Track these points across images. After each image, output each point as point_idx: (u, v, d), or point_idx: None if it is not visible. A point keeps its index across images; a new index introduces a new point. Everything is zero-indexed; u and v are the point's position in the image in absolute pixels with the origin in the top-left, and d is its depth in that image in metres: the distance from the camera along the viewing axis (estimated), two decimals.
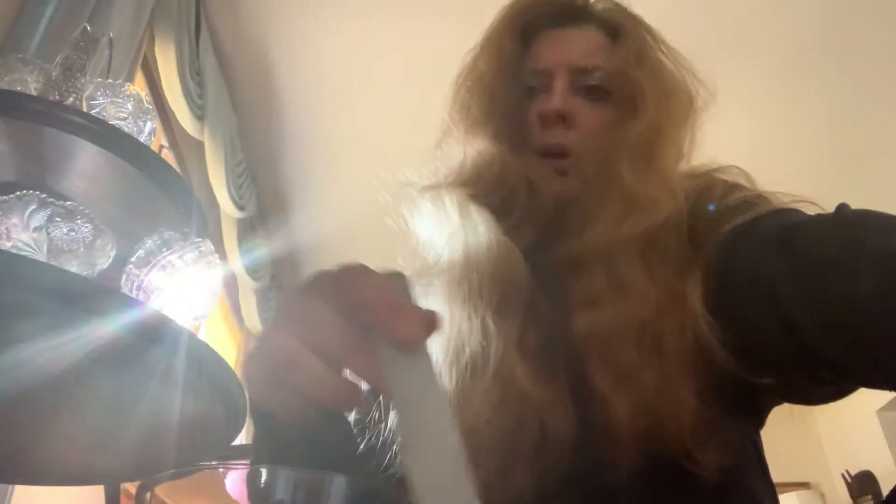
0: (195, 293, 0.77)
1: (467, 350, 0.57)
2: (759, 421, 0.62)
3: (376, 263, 0.72)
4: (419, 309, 0.33)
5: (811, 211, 0.54)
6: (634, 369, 0.53)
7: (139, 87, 1.00)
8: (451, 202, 0.64)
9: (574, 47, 0.68)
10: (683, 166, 0.67)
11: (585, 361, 0.55)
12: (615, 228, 0.58)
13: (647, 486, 0.51)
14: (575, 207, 0.63)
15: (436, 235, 0.65)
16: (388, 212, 0.69)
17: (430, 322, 0.33)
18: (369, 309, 0.32)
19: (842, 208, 0.50)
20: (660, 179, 0.61)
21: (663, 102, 0.64)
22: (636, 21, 0.71)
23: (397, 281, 0.36)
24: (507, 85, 0.67)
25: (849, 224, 0.48)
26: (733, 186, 0.62)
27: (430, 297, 0.62)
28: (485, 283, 0.59)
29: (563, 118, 0.64)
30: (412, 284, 0.37)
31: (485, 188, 0.63)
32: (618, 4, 0.72)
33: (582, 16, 0.71)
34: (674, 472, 0.52)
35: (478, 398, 0.56)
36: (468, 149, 0.66)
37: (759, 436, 0.62)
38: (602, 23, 0.70)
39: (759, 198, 0.58)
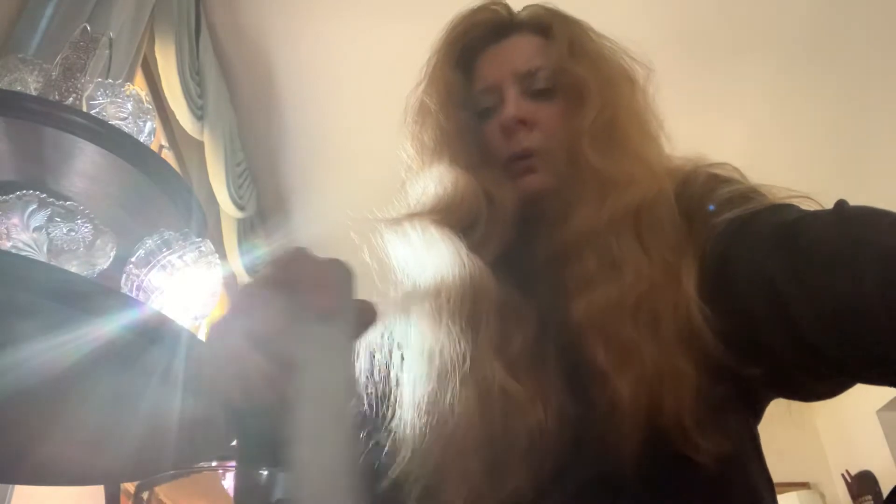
0: (195, 293, 0.77)
1: (449, 363, 0.59)
2: (756, 414, 0.62)
3: (376, 263, 0.73)
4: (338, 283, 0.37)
5: (807, 206, 0.55)
6: (634, 345, 0.54)
7: (139, 87, 1.00)
8: (413, 231, 0.66)
9: (513, 56, 0.71)
10: (665, 149, 0.69)
11: (584, 345, 0.56)
12: (597, 211, 0.60)
13: (647, 473, 0.51)
14: (553, 201, 0.65)
15: (406, 265, 0.68)
16: (362, 249, 0.72)
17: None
18: (297, 285, 0.36)
19: (841, 205, 0.50)
20: (631, 159, 0.63)
21: (605, 84, 0.67)
22: (561, 16, 0.74)
23: (335, 265, 0.38)
24: (456, 111, 0.70)
25: (849, 221, 0.48)
26: (727, 179, 0.62)
27: (413, 322, 0.64)
28: (454, 299, 0.61)
29: (523, 122, 0.67)
30: (351, 272, 0.40)
31: (447, 211, 0.65)
32: (541, 6, 0.76)
33: (512, 26, 0.74)
34: (674, 460, 0.52)
35: (461, 406, 0.56)
36: (426, 178, 0.69)
37: (756, 429, 0.62)
38: (532, 26, 0.74)
39: (755, 191, 0.59)
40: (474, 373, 0.57)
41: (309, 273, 0.37)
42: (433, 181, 0.68)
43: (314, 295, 0.36)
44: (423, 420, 0.57)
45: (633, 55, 0.71)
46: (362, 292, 0.71)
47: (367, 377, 0.70)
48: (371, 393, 0.68)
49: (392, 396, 0.64)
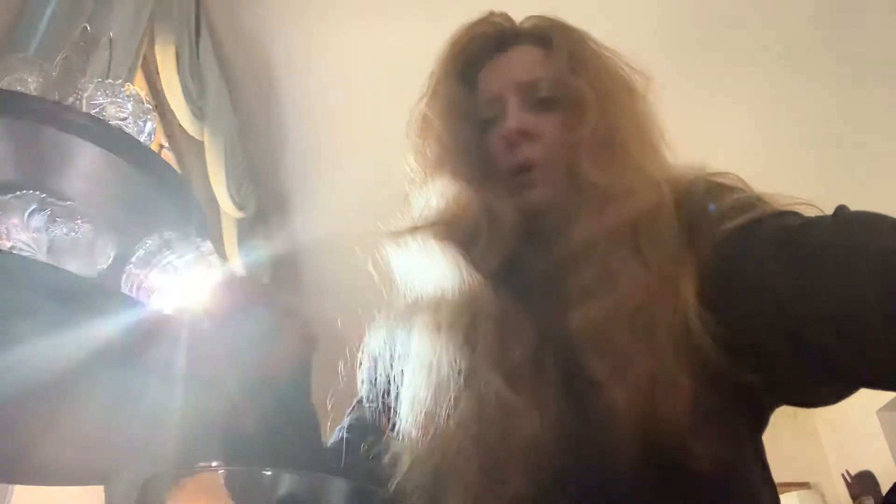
0: (195, 293, 0.77)
1: (447, 375, 0.59)
2: (759, 423, 0.62)
3: (374, 263, 0.73)
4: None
5: (810, 213, 0.55)
6: (629, 354, 0.54)
7: (139, 87, 1.00)
8: (415, 244, 0.66)
9: (515, 67, 0.72)
10: (666, 158, 0.69)
11: (581, 356, 0.56)
12: (594, 223, 0.60)
13: (646, 483, 0.51)
14: (552, 215, 0.65)
15: (408, 278, 0.68)
16: (366, 261, 0.73)
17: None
18: None
19: (841, 210, 0.50)
20: (630, 170, 0.63)
21: (603, 96, 0.67)
22: (562, 27, 0.74)
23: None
24: (459, 124, 0.71)
25: (848, 226, 0.48)
26: (731, 188, 0.62)
27: (415, 335, 0.65)
28: (452, 311, 0.61)
29: (524, 134, 0.67)
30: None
31: (448, 225, 0.66)
32: (543, 17, 0.76)
33: (514, 38, 0.75)
34: (673, 469, 0.52)
35: (460, 417, 0.57)
36: (430, 192, 0.69)
37: (760, 440, 0.62)
38: (533, 38, 0.74)
39: (758, 199, 0.59)
40: (472, 384, 0.57)
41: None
42: (435, 195, 0.68)
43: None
44: (423, 430, 0.58)
45: (633, 64, 0.71)
46: (367, 304, 0.71)
47: (369, 388, 0.70)
48: (373, 403, 0.69)
49: (393, 407, 0.64)
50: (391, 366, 0.67)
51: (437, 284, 0.64)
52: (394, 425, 0.62)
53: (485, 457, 0.55)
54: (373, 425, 0.68)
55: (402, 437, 0.60)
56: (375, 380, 0.69)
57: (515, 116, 0.67)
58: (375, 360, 0.70)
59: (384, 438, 0.62)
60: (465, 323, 0.61)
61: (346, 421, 0.72)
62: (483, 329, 0.60)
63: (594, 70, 0.70)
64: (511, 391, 0.56)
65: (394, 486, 0.57)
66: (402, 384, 0.64)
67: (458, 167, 0.68)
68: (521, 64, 0.72)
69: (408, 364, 0.64)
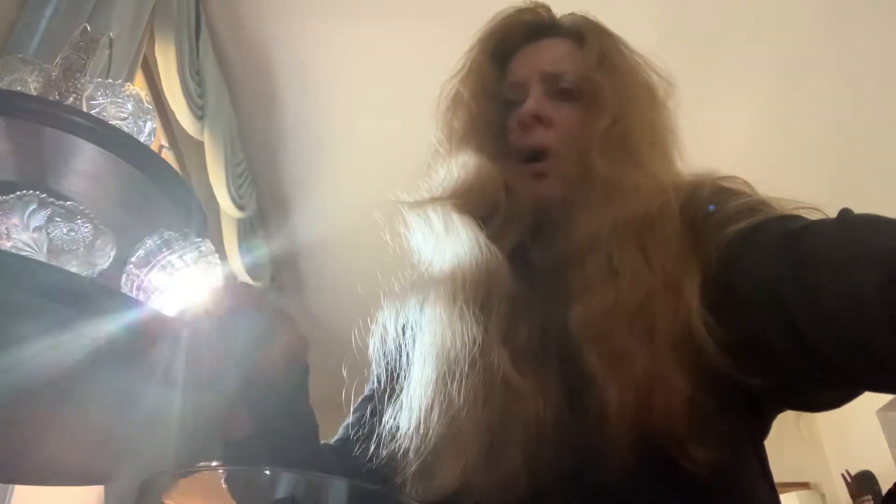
0: (195, 293, 0.76)
1: (459, 346, 0.59)
2: (761, 426, 0.62)
3: (375, 263, 0.73)
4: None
5: (815, 217, 0.55)
6: (626, 351, 0.54)
7: (139, 87, 1.00)
8: (435, 215, 0.68)
9: (544, 57, 0.74)
10: (678, 166, 0.69)
11: (581, 351, 0.56)
12: (600, 218, 0.61)
13: (642, 483, 0.51)
14: (560, 206, 0.66)
15: (425, 247, 0.69)
16: (384, 229, 0.73)
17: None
18: None
19: (845, 213, 0.51)
20: (639, 169, 0.65)
21: (624, 97, 0.69)
22: (598, 28, 0.77)
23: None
24: (487, 102, 0.73)
25: (852, 228, 0.48)
26: (735, 192, 0.63)
27: (428, 303, 0.65)
28: (468, 283, 0.62)
29: (539, 119, 0.69)
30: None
31: (468, 197, 0.67)
32: (582, 16, 0.79)
33: (550, 29, 0.78)
34: (669, 469, 0.52)
35: (466, 389, 0.57)
36: (452, 163, 0.71)
37: (762, 443, 0.62)
38: (568, 33, 0.77)
39: (763, 203, 0.59)
40: (481, 358, 0.58)
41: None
42: (458, 166, 0.70)
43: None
44: (430, 398, 0.58)
45: (660, 72, 0.74)
46: (368, 303, 0.72)
47: (380, 354, 0.71)
48: (382, 369, 0.69)
49: (402, 373, 0.65)
50: (402, 333, 0.68)
51: (456, 255, 0.65)
52: (401, 390, 0.63)
53: (484, 431, 0.55)
54: (380, 390, 0.68)
55: (409, 401, 0.61)
56: (385, 347, 0.70)
57: (534, 101, 0.70)
58: (386, 328, 0.71)
59: (388, 402, 0.64)
60: (481, 296, 0.62)
61: (349, 419, 0.73)
62: (497, 304, 0.61)
63: (619, 71, 0.72)
64: (517, 373, 0.57)
65: (393, 448, 0.57)
66: (413, 350, 0.65)
67: (482, 142, 0.70)
68: (551, 55, 0.74)
69: (420, 332, 0.65)
